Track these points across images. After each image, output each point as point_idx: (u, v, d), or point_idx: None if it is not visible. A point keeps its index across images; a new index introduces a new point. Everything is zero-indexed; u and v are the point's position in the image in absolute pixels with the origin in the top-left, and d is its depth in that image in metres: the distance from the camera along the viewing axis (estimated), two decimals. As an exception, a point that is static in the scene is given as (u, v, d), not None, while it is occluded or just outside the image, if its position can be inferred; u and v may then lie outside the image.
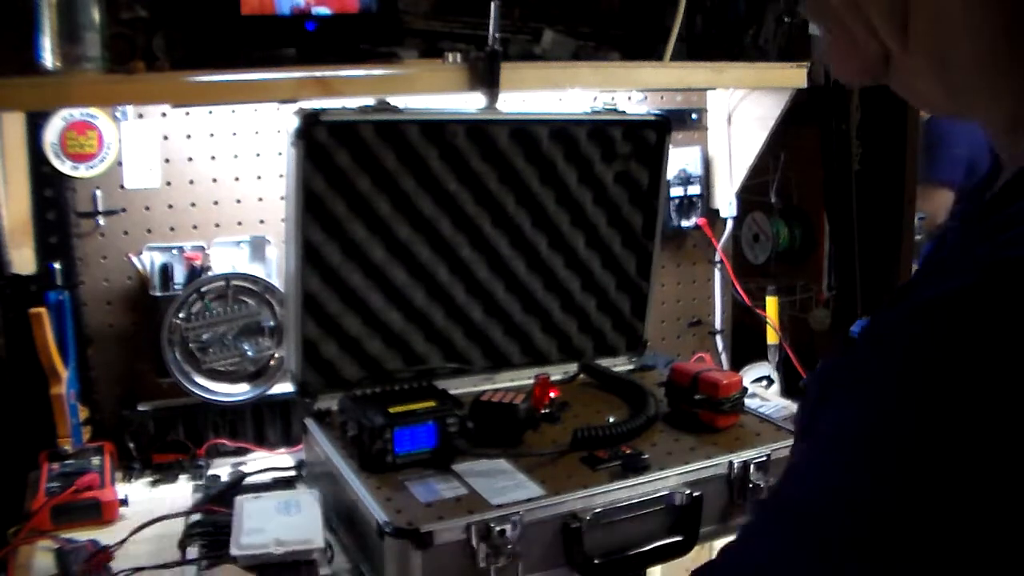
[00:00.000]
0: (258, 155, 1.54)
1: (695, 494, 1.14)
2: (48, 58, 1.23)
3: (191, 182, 1.51)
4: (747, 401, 1.36)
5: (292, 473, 1.40)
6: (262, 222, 1.55)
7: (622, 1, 1.74)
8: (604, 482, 1.13)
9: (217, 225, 1.53)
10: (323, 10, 1.37)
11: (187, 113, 1.48)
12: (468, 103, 1.43)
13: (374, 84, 1.33)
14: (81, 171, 1.43)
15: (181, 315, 1.42)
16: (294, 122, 1.26)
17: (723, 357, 1.97)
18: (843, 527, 0.40)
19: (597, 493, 1.10)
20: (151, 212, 1.49)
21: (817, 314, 1.97)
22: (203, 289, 1.43)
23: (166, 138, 1.49)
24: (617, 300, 1.60)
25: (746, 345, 1.98)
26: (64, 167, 1.42)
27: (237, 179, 1.53)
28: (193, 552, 1.16)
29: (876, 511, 0.39)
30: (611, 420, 1.31)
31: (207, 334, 1.44)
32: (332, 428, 1.28)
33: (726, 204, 1.89)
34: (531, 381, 1.41)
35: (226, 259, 1.50)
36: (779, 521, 0.46)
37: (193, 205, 1.51)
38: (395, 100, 1.33)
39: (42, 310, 1.36)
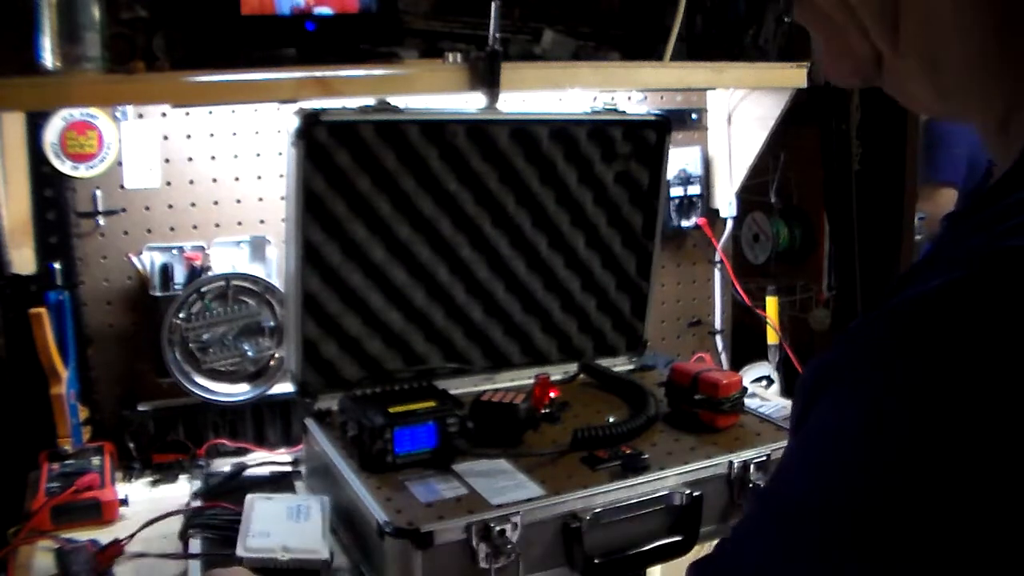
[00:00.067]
0: (258, 155, 1.54)
1: (695, 494, 1.14)
2: (48, 58, 1.23)
3: (191, 182, 1.51)
4: (747, 401, 1.36)
5: (289, 468, 1.40)
6: (262, 222, 1.55)
7: (622, 1, 1.74)
8: (604, 482, 1.13)
9: (217, 225, 1.53)
10: (323, 10, 1.37)
11: (187, 113, 1.48)
12: (468, 103, 1.43)
13: (374, 84, 1.33)
14: (81, 171, 1.43)
15: (181, 315, 1.42)
16: (294, 122, 1.26)
17: (723, 357, 1.97)
18: (827, 525, 0.40)
19: (597, 493, 1.10)
20: (151, 212, 1.49)
21: (817, 314, 1.97)
22: (203, 289, 1.43)
23: (166, 138, 1.49)
24: (617, 300, 1.60)
25: (746, 345, 1.98)
26: (64, 167, 1.42)
27: (237, 179, 1.53)
28: (196, 545, 1.16)
29: (861, 510, 0.39)
30: (611, 420, 1.31)
31: (207, 334, 1.44)
32: (332, 428, 1.28)
33: (726, 204, 1.89)
34: (531, 381, 1.41)
35: (226, 259, 1.50)
36: (769, 516, 0.46)
37: (193, 205, 1.51)
38: (395, 100, 1.33)
39: (42, 310, 1.36)
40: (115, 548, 1.15)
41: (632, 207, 1.57)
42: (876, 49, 0.50)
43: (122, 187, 1.47)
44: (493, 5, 1.35)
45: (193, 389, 1.44)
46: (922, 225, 1.98)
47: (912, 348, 0.39)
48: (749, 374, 1.89)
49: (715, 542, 1.18)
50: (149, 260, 1.47)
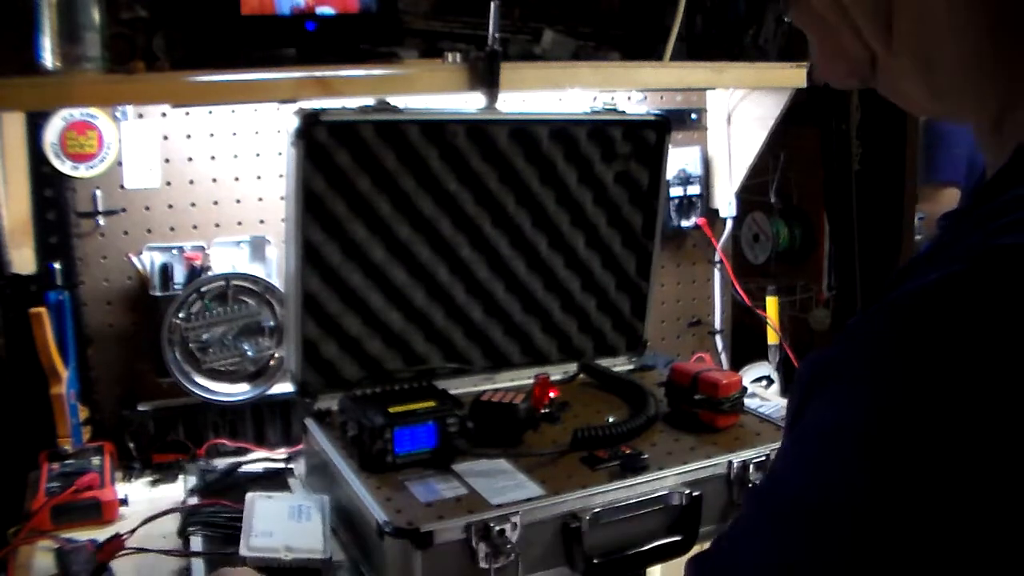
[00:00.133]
0: (258, 155, 1.54)
1: (695, 494, 1.14)
2: (48, 58, 1.23)
3: (191, 182, 1.51)
4: (747, 401, 1.36)
5: (283, 466, 1.41)
6: (262, 222, 1.55)
7: (622, 1, 1.74)
8: (604, 482, 1.13)
9: (217, 225, 1.53)
10: (323, 10, 1.37)
11: (187, 113, 1.48)
12: (468, 103, 1.43)
13: (374, 84, 1.33)
14: (81, 171, 1.43)
15: (181, 315, 1.42)
16: (294, 122, 1.26)
17: (723, 357, 1.97)
18: (824, 522, 0.40)
19: (597, 493, 1.10)
20: (151, 212, 1.49)
21: (817, 314, 1.97)
22: (203, 289, 1.43)
23: (166, 138, 1.49)
24: (617, 300, 1.60)
25: (746, 345, 1.98)
26: (64, 167, 1.42)
27: (237, 179, 1.53)
28: (197, 543, 1.16)
29: (860, 506, 0.39)
30: (611, 420, 1.31)
31: (207, 334, 1.44)
32: (332, 428, 1.28)
33: (726, 204, 1.89)
34: (531, 381, 1.41)
35: (226, 259, 1.50)
36: (766, 513, 0.46)
37: (193, 205, 1.51)
38: (395, 100, 1.33)
39: (42, 310, 1.36)
40: (116, 543, 1.15)
41: (632, 207, 1.57)
42: (870, 49, 0.50)
43: (122, 187, 1.47)
44: (493, 5, 1.35)
45: (193, 389, 1.44)
46: (922, 225, 1.98)
47: (910, 341, 0.39)
48: (749, 374, 1.89)
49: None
50: (149, 260, 1.47)
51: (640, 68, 1.58)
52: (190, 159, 1.50)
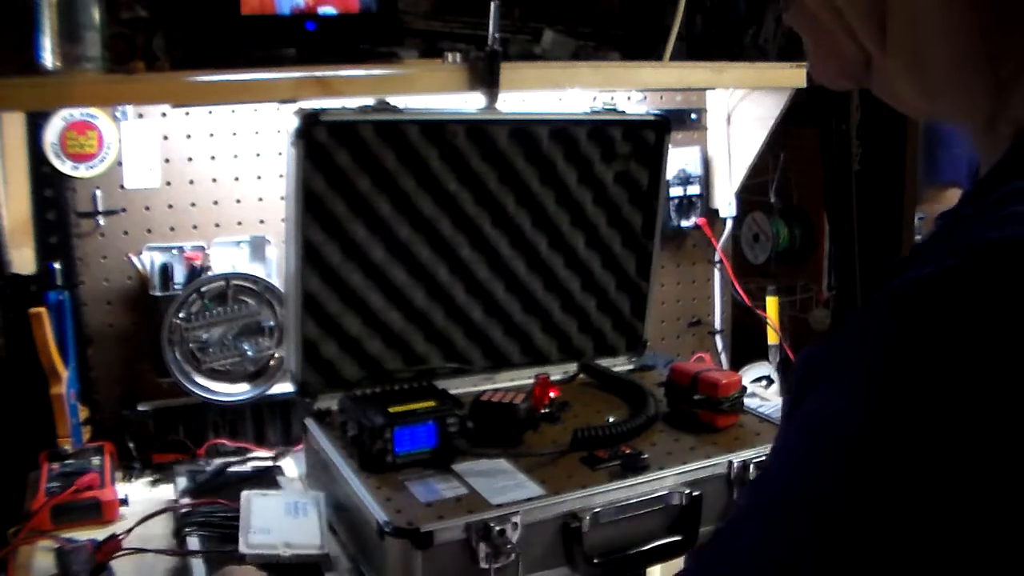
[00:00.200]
0: (258, 155, 1.54)
1: (695, 494, 1.14)
2: (48, 58, 1.23)
3: (191, 182, 1.51)
4: (747, 401, 1.36)
5: (271, 464, 1.41)
6: (262, 222, 1.55)
7: (622, 1, 1.75)
8: (604, 482, 1.13)
9: (217, 225, 1.53)
10: (323, 10, 1.37)
11: (187, 113, 1.48)
12: (468, 103, 1.43)
13: (374, 84, 1.33)
14: (81, 171, 1.43)
15: (181, 315, 1.42)
16: (294, 122, 1.26)
17: (723, 357, 1.97)
18: (823, 514, 0.40)
19: (597, 493, 1.10)
20: (151, 212, 1.49)
21: (817, 314, 1.97)
22: (203, 289, 1.43)
23: (166, 138, 1.49)
24: (617, 300, 1.60)
25: (746, 345, 1.98)
26: (64, 167, 1.42)
27: (237, 179, 1.53)
28: (194, 543, 1.16)
29: (839, 506, 0.39)
30: (611, 420, 1.31)
31: (207, 334, 1.44)
32: (332, 428, 1.28)
33: (726, 204, 1.89)
34: (531, 381, 1.41)
35: (226, 259, 1.50)
36: (765, 503, 0.46)
37: (193, 205, 1.51)
38: (395, 100, 1.33)
39: (42, 310, 1.36)
40: (113, 544, 1.15)
41: (632, 207, 1.57)
42: (864, 50, 0.50)
43: (122, 187, 1.47)
44: (493, 5, 1.35)
45: (193, 389, 1.44)
46: (922, 225, 1.98)
47: (901, 334, 0.39)
48: (749, 374, 1.89)
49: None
50: (149, 260, 1.47)
51: (640, 68, 1.58)
52: (190, 159, 1.50)
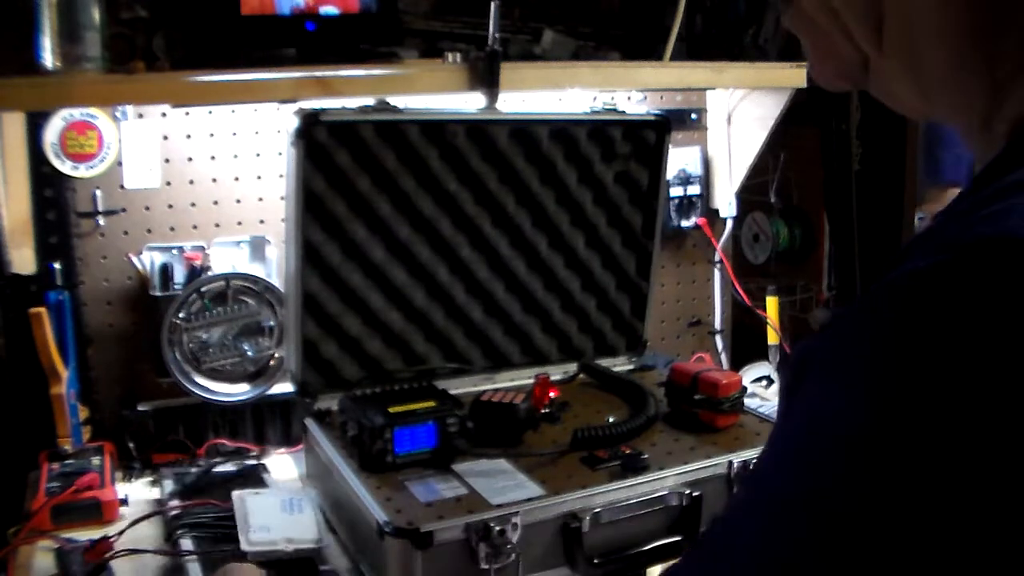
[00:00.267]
0: (258, 155, 1.54)
1: (695, 494, 1.14)
2: (48, 58, 1.23)
3: (191, 182, 1.51)
4: (747, 401, 1.36)
5: (255, 462, 1.42)
6: (262, 222, 1.55)
7: (622, 1, 1.75)
8: (604, 482, 1.13)
9: (217, 225, 1.53)
10: (324, 10, 1.37)
11: (187, 113, 1.48)
12: (468, 103, 1.43)
13: (374, 84, 1.33)
14: (81, 171, 1.43)
15: (181, 315, 1.42)
16: (294, 122, 1.26)
17: (723, 357, 1.97)
18: (820, 506, 0.39)
19: (597, 493, 1.10)
20: (151, 212, 1.49)
21: (817, 314, 1.97)
22: (203, 289, 1.43)
23: (166, 138, 1.49)
24: (617, 300, 1.60)
25: (746, 345, 1.98)
26: (64, 167, 1.42)
27: (237, 179, 1.53)
28: (188, 544, 1.16)
29: (839, 506, 0.38)
30: (611, 420, 1.31)
31: (207, 334, 1.44)
32: (332, 428, 1.28)
33: (726, 204, 1.89)
34: (531, 381, 1.41)
35: (226, 259, 1.50)
36: (759, 497, 0.45)
37: (193, 205, 1.51)
38: (395, 100, 1.33)
39: (42, 310, 1.36)
40: (104, 545, 1.15)
41: (632, 207, 1.57)
42: (861, 51, 0.50)
43: (122, 187, 1.47)
44: (493, 5, 1.35)
45: (193, 389, 1.44)
46: (922, 225, 1.98)
47: (890, 327, 0.39)
48: (749, 374, 1.89)
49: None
50: (149, 260, 1.47)
51: (640, 68, 1.58)
52: (190, 159, 1.50)
